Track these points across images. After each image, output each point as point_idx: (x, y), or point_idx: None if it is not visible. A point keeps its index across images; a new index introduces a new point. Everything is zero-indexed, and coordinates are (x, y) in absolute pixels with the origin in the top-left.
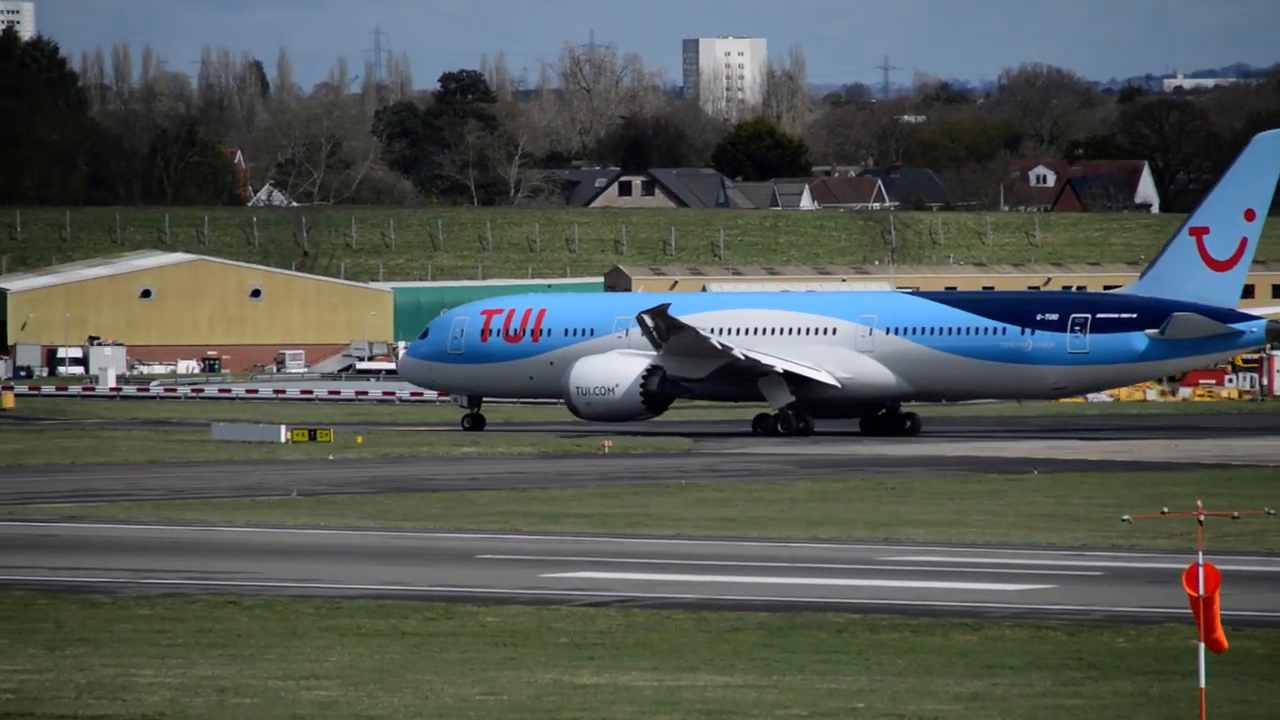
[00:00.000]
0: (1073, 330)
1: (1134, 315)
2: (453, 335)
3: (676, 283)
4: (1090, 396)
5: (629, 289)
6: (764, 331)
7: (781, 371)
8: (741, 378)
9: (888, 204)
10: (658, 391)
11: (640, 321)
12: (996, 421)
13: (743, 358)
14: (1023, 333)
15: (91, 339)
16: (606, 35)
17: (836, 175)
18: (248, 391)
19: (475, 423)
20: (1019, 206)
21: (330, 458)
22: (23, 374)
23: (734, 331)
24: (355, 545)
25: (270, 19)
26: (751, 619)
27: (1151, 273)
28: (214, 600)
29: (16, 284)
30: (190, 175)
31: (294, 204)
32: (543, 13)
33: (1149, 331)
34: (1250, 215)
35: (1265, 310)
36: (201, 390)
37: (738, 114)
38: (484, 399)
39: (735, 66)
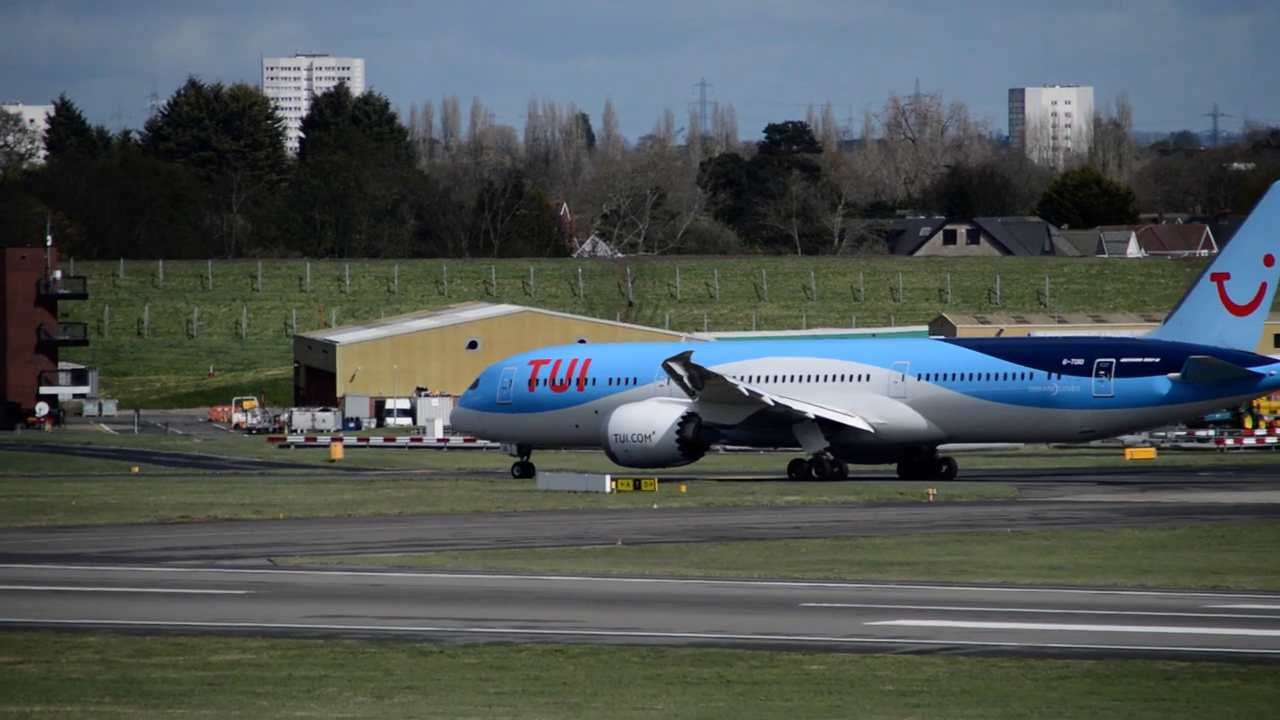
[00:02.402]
0: (1098, 374)
1: (1157, 360)
2: (501, 385)
3: (1001, 330)
4: None
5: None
6: (799, 378)
7: (814, 417)
8: (775, 424)
9: (1215, 251)
10: (693, 438)
11: (667, 369)
12: None
13: (773, 404)
14: (1049, 377)
15: (419, 390)
16: (932, 85)
17: (1164, 223)
18: None
19: (525, 471)
20: None
21: (655, 506)
22: (351, 425)
23: (770, 379)
24: (679, 594)
25: (596, 71)
26: (1078, 667)
27: (1175, 318)
28: (540, 649)
29: (345, 336)
30: (517, 227)
31: (619, 255)
32: (868, 63)
33: (1171, 375)
34: (1270, 260)
35: None
36: None
37: (1064, 162)
38: (532, 448)
39: (1062, 115)
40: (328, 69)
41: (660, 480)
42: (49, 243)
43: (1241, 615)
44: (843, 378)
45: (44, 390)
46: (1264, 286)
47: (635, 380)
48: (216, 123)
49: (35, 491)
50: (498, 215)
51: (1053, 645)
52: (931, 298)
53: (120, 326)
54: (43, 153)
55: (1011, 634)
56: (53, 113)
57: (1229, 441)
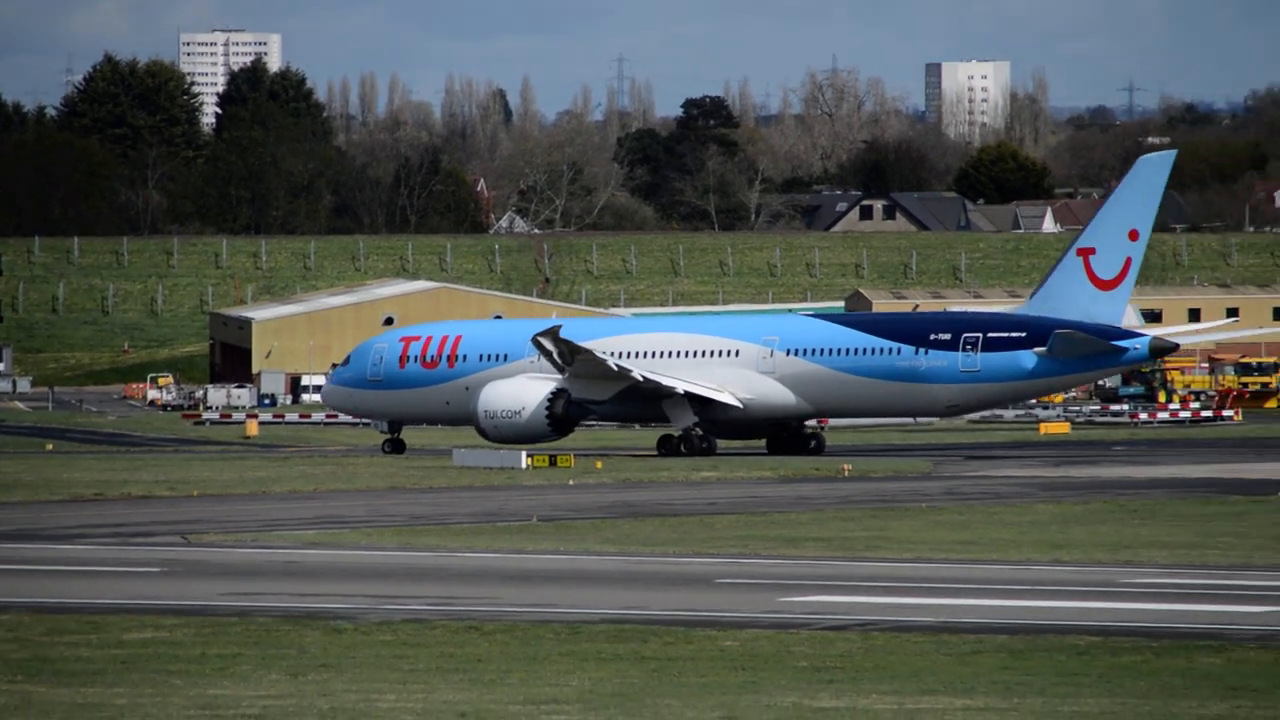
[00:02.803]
0: (964, 349)
1: (1023, 334)
2: (372, 362)
3: (917, 306)
4: None
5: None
6: (670, 354)
7: (684, 393)
8: (645, 399)
9: None
10: (563, 414)
11: (536, 345)
12: (1239, 442)
13: (642, 379)
14: (916, 352)
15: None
16: (849, 60)
17: (1079, 197)
18: None
19: (395, 447)
20: (1264, 228)
21: (570, 483)
22: (267, 402)
23: (641, 355)
24: (595, 570)
25: (514, 48)
26: (992, 641)
27: (1041, 292)
28: (455, 626)
29: (261, 313)
30: (433, 203)
31: (536, 231)
32: (785, 39)
33: (1037, 350)
34: (1134, 235)
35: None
36: None
37: (980, 137)
38: (403, 424)
39: (978, 90)
40: (244, 44)
41: (576, 456)
42: None
43: (1154, 590)
44: (712, 353)
45: None
46: (1129, 261)
47: (506, 357)
48: (132, 98)
49: None
50: (414, 191)
51: (966, 620)
52: (848, 273)
53: (35, 303)
54: None
55: (925, 609)
56: None
57: (1143, 416)
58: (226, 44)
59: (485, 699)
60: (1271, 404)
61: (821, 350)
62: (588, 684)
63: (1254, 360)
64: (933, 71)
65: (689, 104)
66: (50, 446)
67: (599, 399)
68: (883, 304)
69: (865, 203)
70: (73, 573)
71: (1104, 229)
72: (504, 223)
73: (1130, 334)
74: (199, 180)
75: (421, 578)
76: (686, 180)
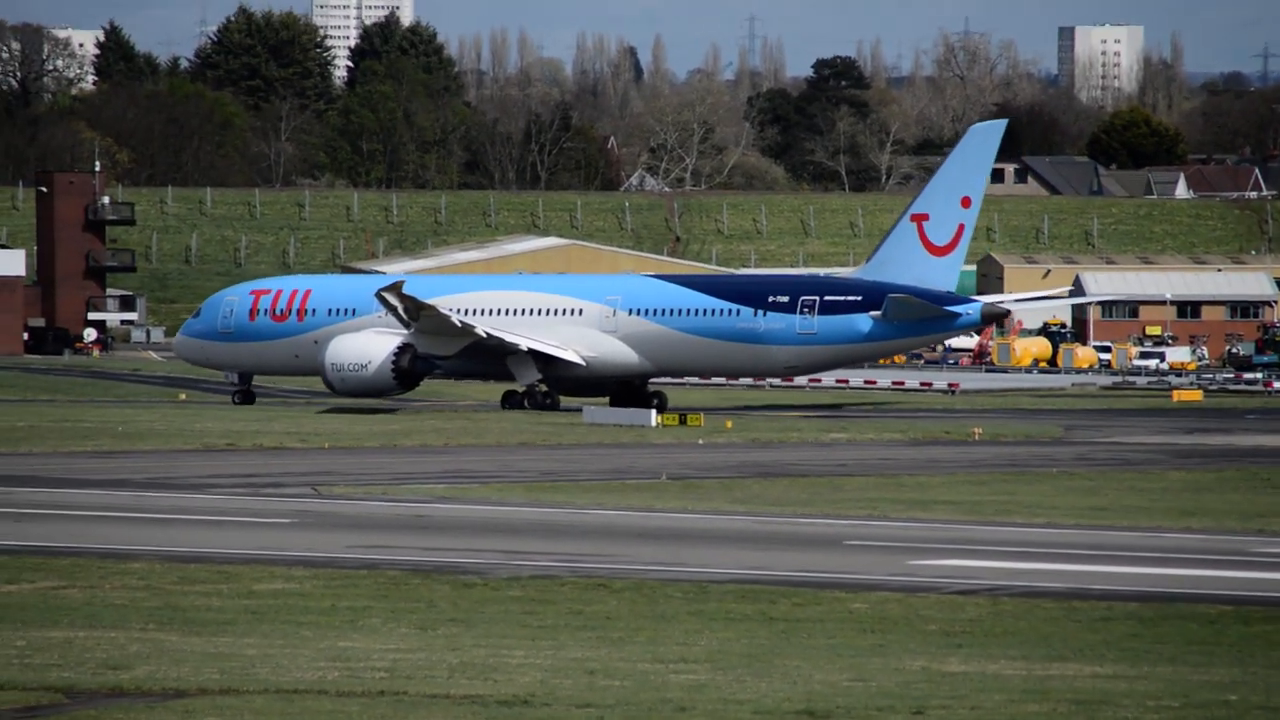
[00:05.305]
0: (802, 312)
1: (859, 298)
2: (222, 315)
3: (1049, 271)
4: None
5: (1000, 277)
6: (514, 312)
7: (527, 350)
8: (490, 356)
9: (1265, 193)
10: (409, 369)
11: (381, 300)
12: None
13: (486, 336)
14: (755, 314)
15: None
16: (981, 23)
17: (1212, 164)
18: None
19: (245, 398)
20: None
21: (700, 442)
22: None
23: (486, 312)
24: (723, 529)
25: (646, 5)
26: (1121, 609)
27: (876, 257)
28: (583, 583)
29: (393, 267)
30: (563, 160)
31: (666, 189)
32: (917, 0)
33: (872, 313)
34: (967, 202)
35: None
36: None
37: (1113, 102)
38: (254, 376)
39: (1111, 54)
40: (377, 1)
41: (706, 415)
42: (97, 168)
43: None
44: (556, 312)
45: (92, 316)
46: (961, 228)
47: (354, 311)
48: (266, 50)
49: (82, 417)
50: (545, 148)
51: (1096, 587)
52: (979, 236)
53: (168, 253)
54: (91, 78)
55: (1055, 575)
56: (102, 38)
57: (1277, 384)
58: (359, 1)
59: (614, 656)
60: None
61: (663, 311)
62: (716, 644)
63: None
64: (1066, 35)
65: (820, 64)
66: (183, 396)
67: (444, 354)
68: (1015, 268)
69: (996, 165)
70: (204, 522)
71: (937, 196)
72: (634, 180)
73: (963, 300)
74: (331, 133)
75: (551, 534)
76: (817, 141)
